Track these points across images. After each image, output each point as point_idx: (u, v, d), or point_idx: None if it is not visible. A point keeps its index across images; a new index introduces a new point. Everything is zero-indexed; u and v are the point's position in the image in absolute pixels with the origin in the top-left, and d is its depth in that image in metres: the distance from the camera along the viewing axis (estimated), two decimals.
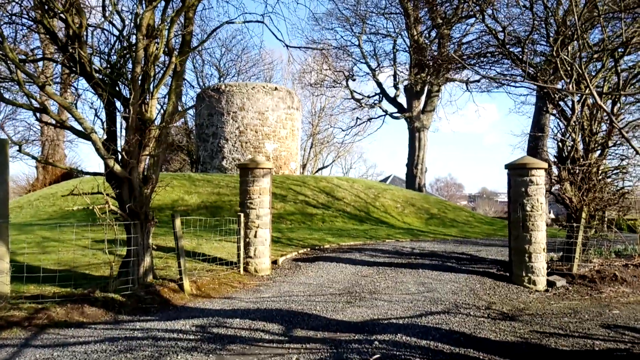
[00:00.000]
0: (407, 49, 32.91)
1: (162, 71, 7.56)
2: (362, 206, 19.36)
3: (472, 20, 28.56)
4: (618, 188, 9.70)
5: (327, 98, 43.47)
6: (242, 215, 9.16)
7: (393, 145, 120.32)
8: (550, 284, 8.71)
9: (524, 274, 8.70)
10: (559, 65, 9.28)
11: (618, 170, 9.64)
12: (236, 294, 7.51)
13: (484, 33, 13.39)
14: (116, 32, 7.32)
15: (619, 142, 9.50)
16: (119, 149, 7.17)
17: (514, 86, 16.92)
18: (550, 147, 29.06)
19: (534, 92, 29.39)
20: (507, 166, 9.32)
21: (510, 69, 13.34)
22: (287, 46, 8.75)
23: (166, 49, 7.42)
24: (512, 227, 9.07)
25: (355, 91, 34.71)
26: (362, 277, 8.85)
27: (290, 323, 5.83)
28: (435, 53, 30.36)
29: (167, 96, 7.62)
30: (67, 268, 8.05)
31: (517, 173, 8.91)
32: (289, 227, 15.60)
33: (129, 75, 7.05)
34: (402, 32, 32.50)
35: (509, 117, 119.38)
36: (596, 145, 9.83)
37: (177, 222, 7.24)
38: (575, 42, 9.79)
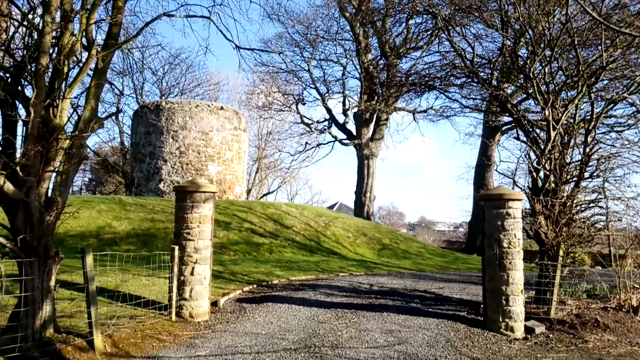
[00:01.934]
0: (357, 75, 32.59)
1: (79, 68, 6.04)
2: (313, 235, 18.05)
3: (419, 52, 28.86)
4: (593, 223, 9.03)
5: (274, 122, 42.37)
6: (176, 247, 7.60)
7: (338, 173, 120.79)
8: (529, 330, 7.74)
9: (500, 319, 7.68)
10: (535, 89, 8.60)
11: (593, 204, 8.98)
12: (164, 351, 5.93)
13: (446, 53, 12.77)
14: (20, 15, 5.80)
15: (595, 174, 8.87)
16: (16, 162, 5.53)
17: (481, 111, 16.47)
18: (497, 180, 29.38)
19: (480, 124, 29.86)
20: (480, 197, 8.42)
21: (471, 94, 12.75)
22: (237, 47, 7.46)
23: (85, 41, 5.94)
24: (487, 266, 8.07)
25: (304, 116, 33.86)
26: (320, 324, 7.50)
27: None
28: (384, 80, 30.13)
29: (84, 99, 6.08)
30: None
31: (493, 205, 7.99)
32: (232, 258, 14.00)
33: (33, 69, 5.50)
34: (352, 58, 32.15)
35: (448, 151, 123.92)
36: (569, 176, 9.16)
37: (89, 259, 5.61)
38: (548, 66, 9.20)
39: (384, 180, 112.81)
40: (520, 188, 9.94)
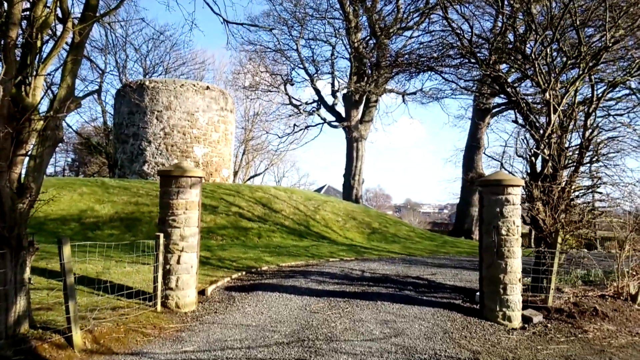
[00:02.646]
0: (347, 55, 32.01)
1: (54, 42, 5.55)
2: (302, 219, 17.74)
3: (410, 32, 28.35)
4: (590, 208, 8.83)
5: (261, 103, 41.66)
6: (161, 235, 7.21)
7: (326, 155, 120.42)
8: (526, 319, 7.55)
9: (498, 309, 7.47)
10: (536, 70, 8.29)
11: (591, 190, 8.77)
12: (148, 347, 5.59)
13: (442, 32, 12.37)
14: None
15: (595, 158, 8.63)
16: None
17: (474, 92, 16.13)
18: (485, 162, 29.25)
19: (471, 106, 29.61)
20: (479, 183, 8.16)
21: (466, 75, 12.39)
22: (226, 22, 6.99)
23: (60, 13, 5.44)
24: (484, 253, 7.83)
25: (293, 97, 33.26)
26: (313, 314, 7.21)
27: None
28: (374, 60, 29.61)
29: (60, 76, 5.60)
30: None
31: (492, 191, 7.71)
32: (219, 243, 13.64)
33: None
34: (342, 37, 31.51)
35: (436, 134, 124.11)
36: (568, 161, 8.92)
37: (66, 250, 5.21)
38: (549, 47, 8.88)
39: (372, 162, 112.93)
40: (508, 171, 9.69)
